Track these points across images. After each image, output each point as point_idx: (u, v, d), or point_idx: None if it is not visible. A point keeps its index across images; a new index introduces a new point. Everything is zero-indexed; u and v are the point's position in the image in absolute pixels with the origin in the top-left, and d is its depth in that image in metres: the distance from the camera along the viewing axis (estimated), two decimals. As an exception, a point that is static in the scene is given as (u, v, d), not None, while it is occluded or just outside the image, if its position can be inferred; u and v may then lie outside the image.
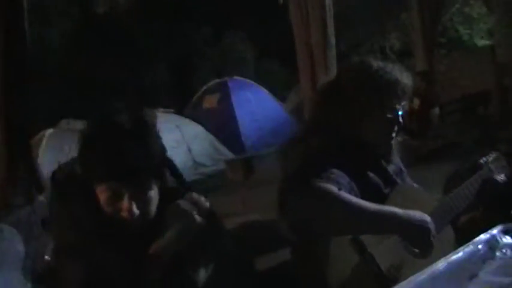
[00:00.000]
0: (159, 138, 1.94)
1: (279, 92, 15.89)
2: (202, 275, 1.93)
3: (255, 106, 13.03)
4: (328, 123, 2.39)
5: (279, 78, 20.11)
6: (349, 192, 2.19)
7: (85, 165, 1.87)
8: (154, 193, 1.90)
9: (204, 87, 13.73)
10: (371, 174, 2.37)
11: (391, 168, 2.47)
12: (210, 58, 21.12)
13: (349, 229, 2.21)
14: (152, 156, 1.86)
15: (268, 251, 2.67)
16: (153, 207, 1.90)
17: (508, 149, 3.70)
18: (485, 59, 15.69)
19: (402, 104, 2.43)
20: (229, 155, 11.28)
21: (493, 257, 2.16)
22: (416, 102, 10.13)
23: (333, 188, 2.13)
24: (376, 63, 2.40)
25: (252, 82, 14.25)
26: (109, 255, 1.84)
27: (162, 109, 11.79)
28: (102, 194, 1.84)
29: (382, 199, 2.31)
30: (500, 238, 2.33)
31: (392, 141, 2.47)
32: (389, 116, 2.38)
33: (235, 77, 14.09)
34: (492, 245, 2.32)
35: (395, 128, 2.43)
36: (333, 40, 5.95)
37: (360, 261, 2.20)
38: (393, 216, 2.21)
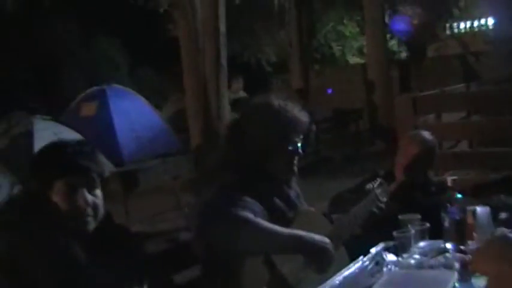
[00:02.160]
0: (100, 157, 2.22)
1: (154, 100, 15.88)
2: None
3: (134, 115, 12.83)
4: (239, 158, 2.65)
5: (153, 86, 20.04)
6: (262, 218, 2.46)
7: (45, 166, 2.12)
8: (100, 192, 2.18)
9: (82, 94, 13.40)
10: (277, 201, 2.66)
11: (292, 194, 2.74)
12: (82, 64, 20.53)
13: (263, 250, 2.47)
14: (99, 161, 2.17)
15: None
16: (101, 204, 2.18)
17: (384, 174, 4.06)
18: (357, 76, 16.50)
19: (301, 137, 2.72)
20: (108, 164, 11.09)
21: (380, 271, 2.45)
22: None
23: (250, 215, 2.39)
24: (277, 103, 2.68)
25: (130, 90, 14.07)
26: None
27: (39, 116, 11.43)
28: (60, 190, 2.09)
29: (287, 222, 2.57)
30: (385, 255, 2.64)
31: (295, 168, 2.73)
32: (290, 148, 2.67)
33: (114, 85, 13.84)
34: (378, 261, 2.61)
35: (296, 158, 2.72)
36: (224, 63, 6.14)
37: (270, 278, 2.45)
38: (300, 239, 2.51)
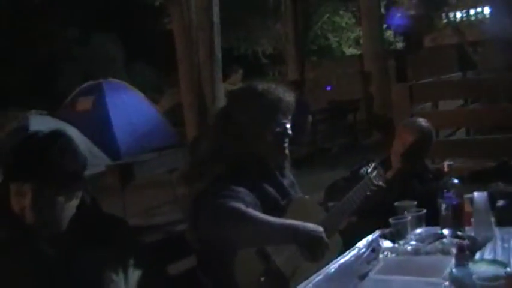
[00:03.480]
0: (72, 153, 2.02)
1: (150, 94, 15.87)
2: (123, 285, 2.04)
3: (130, 109, 12.87)
4: (226, 146, 2.60)
5: (149, 80, 20.02)
6: (254, 208, 2.42)
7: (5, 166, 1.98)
8: (62, 200, 1.99)
9: (78, 89, 13.37)
10: (270, 189, 2.61)
11: (286, 182, 2.70)
12: (77, 59, 20.47)
13: (256, 241, 2.42)
14: (57, 165, 1.96)
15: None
16: (61, 212, 2.00)
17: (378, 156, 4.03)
18: (353, 67, 16.46)
19: (288, 118, 2.66)
20: (105, 158, 11.09)
21: (377, 258, 2.42)
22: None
23: (241, 206, 2.36)
24: (260, 86, 2.66)
25: (127, 84, 14.07)
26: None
27: (35, 111, 11.40)
28: (12, 192, 1.96)
29: (280, 211, 2.53)
30: (381, 242, 2.61)
31: (286, 152, 2.69)
32: (278, 130, 2.62)
33: (110, 79, 13.82)
34: (374, 248, 2.59)
35: (286, 140, 2.66)
36: (219, 54, 6.11)
37: (265, 268, 2.41)
38: (292, 228, 2.45)
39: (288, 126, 2.68)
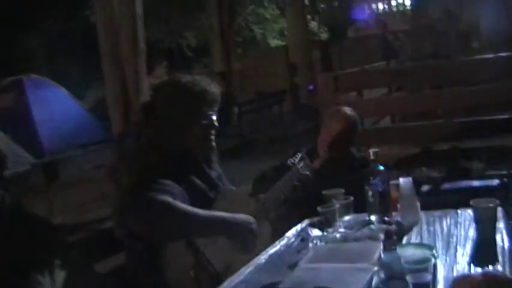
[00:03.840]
0: None
1: (76, 90, 15.51)
2: (49, 286, 1.97)
3: (53, 105, 12.53)
4: (152, 140, 2.57)
5: (73, 75, 19.57)
6: (182, 201, 2.40)
7: None
8: None
9: (-2, 85, 12.91)
10: (197, 181, 2.59)
11: (213, 174, 2.68)
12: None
13: (185, 234, 2.39)
14: None
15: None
16: None
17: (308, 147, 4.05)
18: (279, 58, 16.55)
19: (215, 110, 2.64)
20: (28, 156, 10.76)
21: (306, 247, 2.43)
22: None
23: (169, 199, 2.32)
24: (185, 79, 2.64)
25: (49, 80, 13.70)
26: None
27: (-49, 109, 10.96)
28: None
29: (209, 203, 2.51)
30: (310, 231, 2.62)
31: (213, 144, 2.66)
32: (204, 122, 2.60)
33: (31, 75, 13.42)
34: (303, 237, 2.59)
35: (213, 132, 2.63)
36: (143, 46, 5.99)
37: (195, 261, 2.38)
38: (222, 221, 2.46)
39: (215, 118, 2.67)
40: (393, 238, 1.80)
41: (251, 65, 17.76)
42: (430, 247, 2.05)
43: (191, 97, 2.59)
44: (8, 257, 1.94)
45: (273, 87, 14.87)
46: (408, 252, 1.96)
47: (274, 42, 21.96)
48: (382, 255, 1.79)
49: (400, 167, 3.96)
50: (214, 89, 2.67)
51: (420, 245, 2.18)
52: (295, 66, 13.95)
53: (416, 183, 4.74)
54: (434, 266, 1.92)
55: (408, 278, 1.72)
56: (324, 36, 22.15)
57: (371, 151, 2.78)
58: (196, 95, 2.60)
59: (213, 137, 2.68)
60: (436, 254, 2.00)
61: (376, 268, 1.87)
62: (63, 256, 2.14)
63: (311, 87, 12.40)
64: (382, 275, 1.78)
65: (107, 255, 2.76)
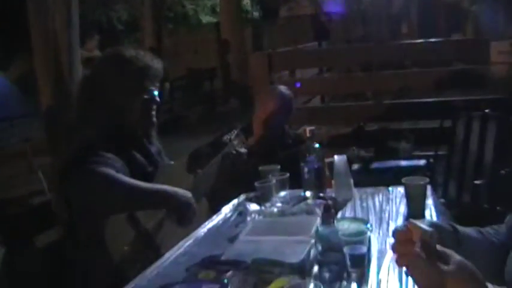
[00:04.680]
0: None
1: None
2: None
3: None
4: (93, 113, 2.56)
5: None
6: (124, 174, 2.40)
7: None
8: None
9: None
10: (138, 156, 2.60)
11: (153, 149, 2.70)
12: None
13: (126, 206, 2.41)
14: None
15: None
16: None
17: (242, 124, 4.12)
18: (211, 35, 16.50)
19: (156, 85, 2.66)
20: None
21: (244, 221, 2.49)
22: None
23: (111, 171, 2.34)
24: (128, 52, 2.63)
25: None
26: None
27: None
28: None
29: (148, 178, 2.53)
30: (248, 205, 2.69)
31: (154, 119, 2.68)
32: (146, 97, 2.62)
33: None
34: (241, 211, 2.66)
35: (154, 107, 2.65)
36: (76, 20, 5.86)
37: (136, 234, 2.41)
38: (163, 193, 2.48)
39: (156, 93, 2.67)
40: (331, 212, 1.88)
41: (182, 41, 17.64)
42: (365, 221, 2.14)
43: (134, 71, 2.58)
44: None
45: (204, 64, 14.83)
46: (344, 225, 2.04)
47: (206, 18, 21.82)
48: (320, 228, 1.87)
49: (332, 145, 4.08)
50: (157, 64, 2.67)
51: (355, 219, 2.28)
52: (227, 43, 13.92)
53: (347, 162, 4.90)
54: (369, 239, 2.01)
55: (345, 249, 1.81)
56: (256, 14, 22.18)
57: (307, 129, 2.86)
58: (139, 70, 2.59)
59: (153, 112, 2.69)
60: (370, 228, 2.10)
61: (313, 241, 1.94)
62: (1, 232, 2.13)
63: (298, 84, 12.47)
64: (320, 248, 1.85)
65: (43, 230, 2.73)
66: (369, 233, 1.88)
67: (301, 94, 6.88)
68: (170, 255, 2.26)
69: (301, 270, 1.77)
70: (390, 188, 2.80)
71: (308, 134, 2.85)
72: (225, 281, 1.73)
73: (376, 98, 6.54)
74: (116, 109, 2.57)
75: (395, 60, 6.92)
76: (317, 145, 2.79)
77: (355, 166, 4.84)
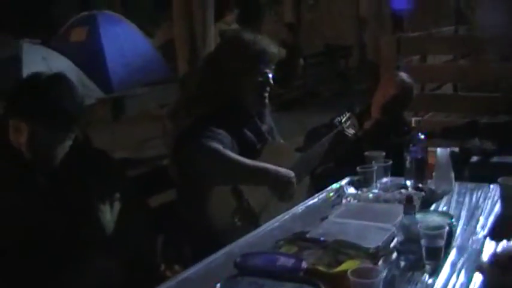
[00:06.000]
0: (71, 98, 2.18)
1: (147, 27, 15.78)
2: (109, 216, 2.24)
3: (124, 41, 12.79)
4: (211, 90, 2.80)
5: (146, 13, 19.80)
6: (231, 150, 2.64)
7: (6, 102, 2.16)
8: (57, 140, 2.17)
9: (72, 19, 13.27)
10: (248, 133, 2.82)
11: (264, 128, 2.91)
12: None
13: (230, 180, 2.65)
14: (55, 109, 2.13)
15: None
16: (55, 151, 2.18)
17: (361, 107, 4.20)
18: (350, 12, 16.37)
19: (271, 68, 2.86)
20: (97, 90, 11.17)
21: (340, 203, 2.62)
22: (283, 52, 10.67)
23: (219, 146, 2.57)
24: (247, 36, 2.83)
25: (121, 16, 13.95)
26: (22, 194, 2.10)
27: (27, 39, 11.35)
28: (10, 127, 2.13)
29: (255, 154, 2.75)
30: (347, 188, 2.81)
31: (266, 101, 2.86)
32: (260, 79, 2.81)
33: (105, 11, 13.73)
34: (340, 193, 2.79)
35: (267, 89, 2.83)
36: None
37: (237, 206, 2.64)
38: (265, 171, 2.69)
39: (270, 76, 2.86)
40: (413, 203, 1.98)
41: (321, 16, 17.63)
42: (450, 216, 2.21)
43: (250, 54, 2.78)
44: (76, 187, 2.22)
45: (342, 41, 14.81)
46: (429, 218, 2.13)
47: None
48: (403, 218, 1.97)
49: (445, 136, 4.07)
50: (273, 49, 2.85)
51: (442, 213, 2.34)
52: (365, 20, 13.77)
53: (467, 154, 4.85)
54: (450, 233, 2.09)
55: (422, 241, 1.90)
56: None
57: (413, 119, 2.93)
58: (255, 53, 2.78)
59: (266, 94, 2.87)
60: (454, 223, 2.17)
61: (394, 229, 2.05)
62: (121, 189, 2.39)
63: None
64: (400, 237, 1.96)
65: (162, 190, 3.00)
66: (448, 227, 1.96)
67: (429, 80, 6.81)
68: (266, 227, 2.44)
69: (375, 255, 1.88)
70: (491, 186, 2.80)
71: (414, 124, 2.92)
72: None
73: (504, 90, 6.33)
74: (231, 88, 2.78)
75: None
76: (422, 136, 2.84)
77: (474, 158, 4.76)
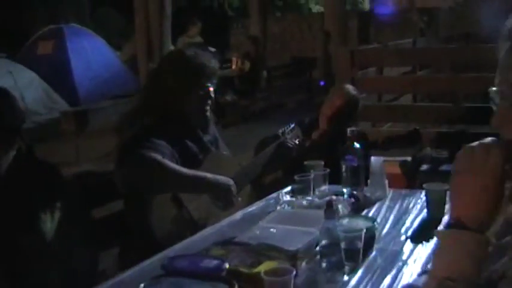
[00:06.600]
0: (12, 112, 2.31)
1: (115, 41, 15.85)
2: (49, 225, 2.34)
3: (91, 55, 12.84)
4: (153, 103, 2.93)
5: (114, 26, 19.87)
6: (171, 160, 2.75)
7: None
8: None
9: (39, 33, 13.31)
10: (190, 144, 2.93)
11: (207, 138, 3.01)
12: (44, 2, 20.19)
13: (170, 189, 2.77)
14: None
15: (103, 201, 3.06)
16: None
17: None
18: (317, 25, 16.60)
19: (213, 82, 2.98)
20: (63, 103, 11.20)
21: (275, 210, 2.75)
22: (247, 64, 10.83)
23: (158, 156, 2.66)
24: (188, 52, 2.98)
25: (88, 30, 14.01)
26: None
27: (-7, 53, 11.34)
28: None
29: (197, 164, 2.87)
30: (283, 196, 2.93)
31: (208, 113, 2.98)
32: (201, 93, 2.94)
33: (72, 24, 13.78)
34: (277, 201, 2.91)
35: (208, 102, 2.96)
36: (169, 11, 6.31)
37: (177, 213, 2.77)
38: (204, 180, 2.80)
39: (212, 90, 2.98)
40: (333, 208, 2.10)
41: (288, 29, 17.85)
42: (373, 220, 2.35)
43: (191, 69, 2.91)
44: (18, 196, 2.32)
45: (308, 54, 15.01)
46: (354, 222, 2.26)
47: (316, 8, 21.98)
48: (324, 222, 2.09)
49: (387, 145, 4.22)
50: (214, 64, 2.99)
51: (367, 217, 2.48)
52: (329, 34, 13.96)
53: (418, 162, 5.00)
54: (373, 236, 2.22)
55: (342, 244, 2.03)
56: (365, 6, 22.10)
57: (348, 130, 3.06)
58: (196, 68, 2.92)
59: (208, 107, 3.00)
60: (376, 226, 2.30)
61: (317, 232, 2.17)
62: (64, 199, 2.50)
63: (322, 82, 12.54)
64: (322, 240, 2.08)
65: (108, 201, 3.10)
66: (364, 230, 2.09)
67: (385, 91, 6.99)
68: (203, 233, 2.55)
69: (294, 257, 2.00)
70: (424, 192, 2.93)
71: (349, 134, 3.05)
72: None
73: (458, 100, 6.53)
74: (174, 101, 2.90)
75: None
76: (358, 145, 2.97)
77: (424, 167, 4.90)
